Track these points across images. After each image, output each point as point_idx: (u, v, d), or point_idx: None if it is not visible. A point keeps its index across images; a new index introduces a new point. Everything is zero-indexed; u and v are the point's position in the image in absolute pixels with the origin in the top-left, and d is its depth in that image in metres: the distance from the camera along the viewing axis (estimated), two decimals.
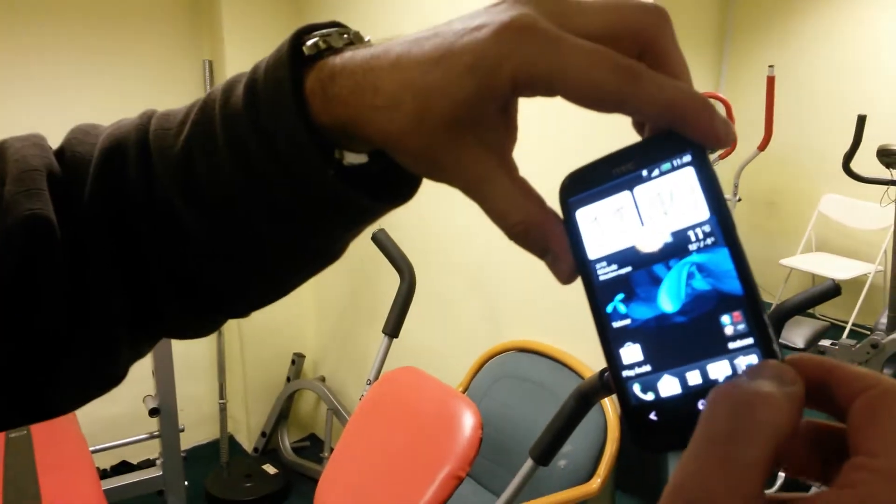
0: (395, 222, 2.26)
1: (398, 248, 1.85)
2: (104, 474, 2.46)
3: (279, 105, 0.31)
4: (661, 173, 0.26)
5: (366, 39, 0.33)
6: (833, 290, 1.54)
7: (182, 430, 2.07)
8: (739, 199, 3.55)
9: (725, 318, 0.24)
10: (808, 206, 4.18)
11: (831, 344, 2.04)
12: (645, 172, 0.26)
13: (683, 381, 0.24)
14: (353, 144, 0.32)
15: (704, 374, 0.24)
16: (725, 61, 4.47)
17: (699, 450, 0.21)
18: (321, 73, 0.30)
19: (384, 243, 1.85)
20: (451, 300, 2.20)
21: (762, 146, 3.21)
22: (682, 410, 0.24)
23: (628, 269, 0.26)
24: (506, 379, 1.84)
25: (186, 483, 2.12)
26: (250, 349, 2.90)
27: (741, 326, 0.24)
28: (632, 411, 0.25)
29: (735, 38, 4.48)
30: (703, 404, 0.24)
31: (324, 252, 0.37)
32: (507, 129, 0.30)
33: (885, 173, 2.85)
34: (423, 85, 0.27)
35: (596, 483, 1.56)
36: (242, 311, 0.41)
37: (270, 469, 2.77)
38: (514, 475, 1.32)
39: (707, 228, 0.24)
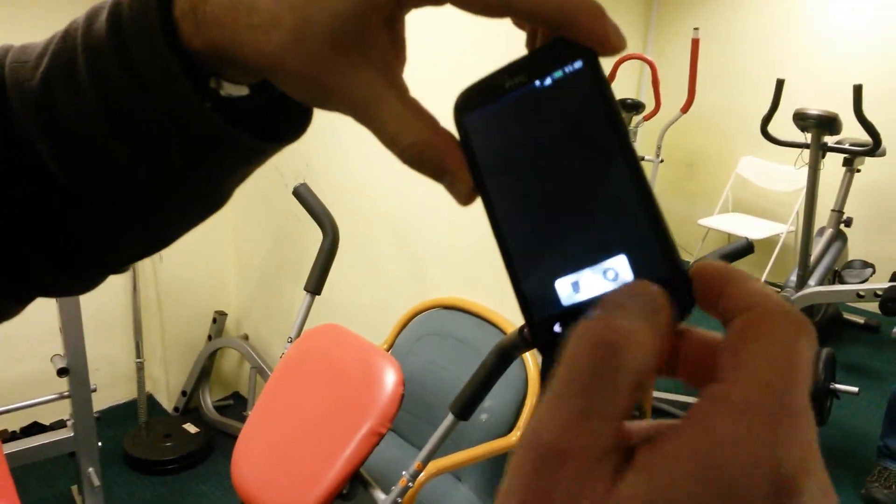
0: (318, 176, 2.20)
1: (321, 203, 1.80)
2: (13, 436, 2.36)
3: (144, 29, 0.28)
4: (554, 83, 0.25)
5: None
6: (746, 248, 1.59)
7: (94, 390, 2.00)
8: (661, 161, 3.64)
9: (620, 224, 0.24)
10: (727, 168, 4.33)
11: None
12: (538, 83, 0.25)
13: (581, 289, 0.24)
14: (233, 73, 0.30)
15: (602, 280, 0.24)
16: (653, 23, 4.52)
17: (557, 399, 0.20)
18: None
19: (306, 198, 1.80)
20: (376, 257, 2.18)
21: (685, 108, 3.28)
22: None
23: (525, 183, 0.25)
24: (430, 336, 1.84)
25: (100, 444, 2.06)
26: (168, 307, 2.81)
27: (635, 230, 0.23)
28: (537, 327, 0.25)
29: (662, 0, 4.53)
30: None
31: (207, 197, 0.34)
32: (394, 45, 0.29)
33: (800, 137, 2.96)
34: None
35: (516, 435, 1.59)
36: (121, 266, 0.37)
37: (192, 428, 2.71)
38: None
39: (601, 136, 0.24)
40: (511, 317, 1.70)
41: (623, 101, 3.49)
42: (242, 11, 0.26)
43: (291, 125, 0.33)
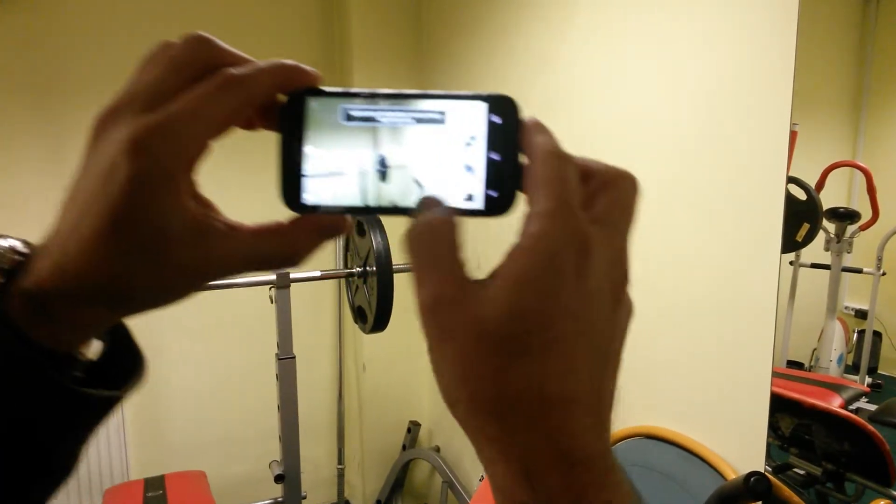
0: None
1: None
2: None
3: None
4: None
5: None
6: None
7: (304, 497, 2.12)
8: (883, 273, 3.30)
9: None
10: None
11: None
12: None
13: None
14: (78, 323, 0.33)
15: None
16: (861, 130, 4.23)
17: (415, 278, 0.30)
18: (28, 313, 0.31)
19: None
20: None
21: None
22: None
23: None
24: (632, 468, 1.76)
25: None
26: (368, 415, 2.94)
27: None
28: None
29: (872, 102, 4.24)
30: None
31: (54, 469, 0.34)
32: (198, 204, 0.32)
33: None
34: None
35: None
36: None
37: None
38: None
39: None
40: (724, 453, 1.59)
41: (835, 209, 3.26)
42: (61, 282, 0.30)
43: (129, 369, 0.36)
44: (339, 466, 2.85)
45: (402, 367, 2.94)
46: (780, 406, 1.94)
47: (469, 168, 0.34)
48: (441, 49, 2.72)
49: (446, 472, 2.63)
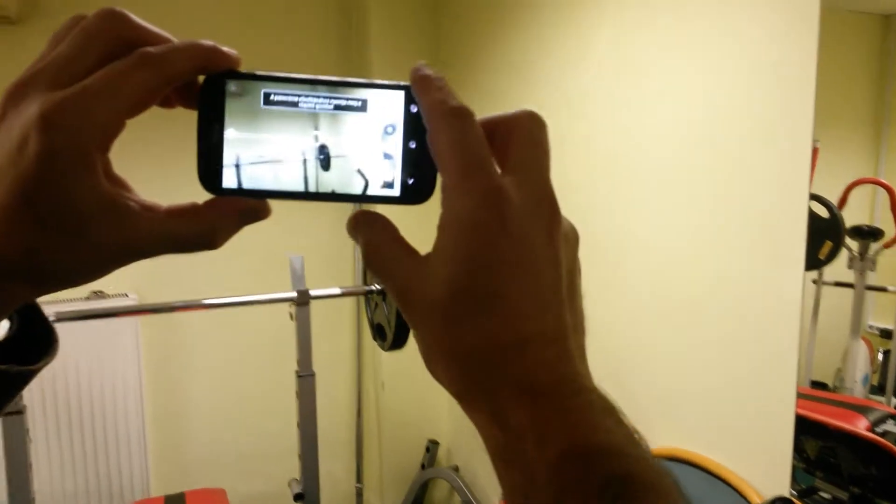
0: None
1: None
2: None
3: None
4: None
5: None
6: None
7: None
8: None
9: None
10: None
11: None
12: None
13: None
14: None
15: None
16: (884, 145, 4.17)
17: (386, 288, 0.34)
18: None
19: None
20: None
21: None
22: None
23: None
24: None
25: None
26: (387, 433, 2.93)
27: None
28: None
29: (894, 118, 4.18)
30: None
31: None
32: (114, 184, 0.32)
33: None
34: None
35: None
36: None
37: None
38: None
39: None
40: (749, 476, 1.57)
41: (858, 227, 3.22)
42: None
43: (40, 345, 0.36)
44: (358, 485, 2.84)
45: (420, 385, 2.93)
46: (804, 428, 1.91)
47: (388, 156, 0.35)
48: (459, 52, 2.74)
49: (465, 491, 2.61)
